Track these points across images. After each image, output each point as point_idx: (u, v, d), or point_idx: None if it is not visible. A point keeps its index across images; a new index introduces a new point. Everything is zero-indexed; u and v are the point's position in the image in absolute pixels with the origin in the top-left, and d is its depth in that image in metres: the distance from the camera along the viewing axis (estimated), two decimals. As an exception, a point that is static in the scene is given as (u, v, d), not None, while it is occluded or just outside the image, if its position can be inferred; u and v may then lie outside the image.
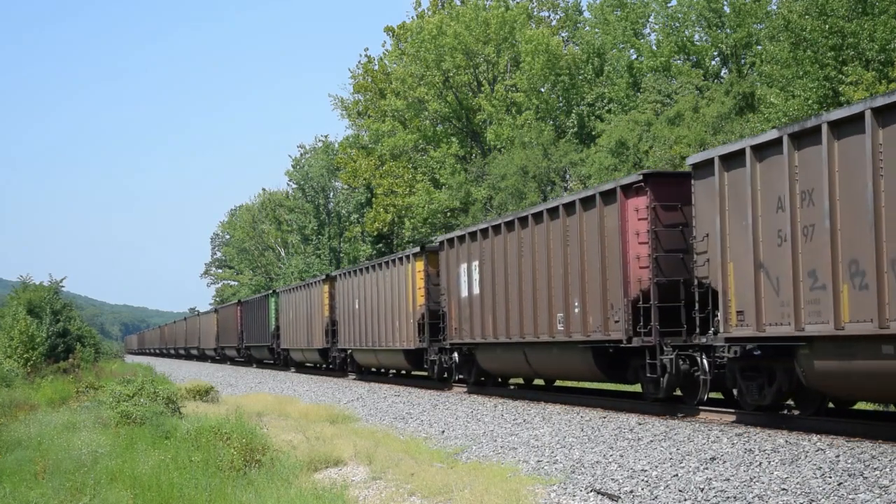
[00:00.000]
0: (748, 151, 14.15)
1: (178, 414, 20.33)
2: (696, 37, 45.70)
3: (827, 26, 28.28)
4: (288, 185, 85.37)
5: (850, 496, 9.67)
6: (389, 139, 52.51)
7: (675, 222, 16.67)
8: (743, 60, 43.62)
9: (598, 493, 11.07)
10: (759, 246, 14.03)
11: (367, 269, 33.04)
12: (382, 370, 35.21)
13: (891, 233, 11.91)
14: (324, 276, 39.61)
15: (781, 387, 14.36)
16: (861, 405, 16.29)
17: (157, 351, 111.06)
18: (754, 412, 15.01)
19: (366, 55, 63.48)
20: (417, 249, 28.31)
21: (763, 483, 10.60)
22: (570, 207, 19.07)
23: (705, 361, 15.82)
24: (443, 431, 17.92)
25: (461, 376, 26.12)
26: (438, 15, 52.06)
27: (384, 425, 19.91)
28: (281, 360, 48.02)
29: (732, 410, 15.73)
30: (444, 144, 50.85)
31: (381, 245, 58.84)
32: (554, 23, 55.02)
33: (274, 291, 50.35)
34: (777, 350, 14.12)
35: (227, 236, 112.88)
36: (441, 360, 26.77)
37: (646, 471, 11.97)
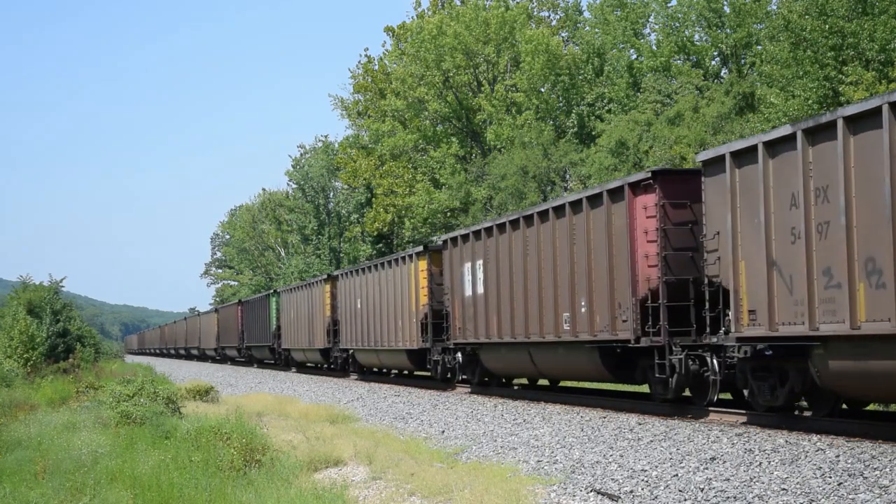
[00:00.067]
0: (760, 147, 13.90)
1: (178, 414, 20.33)
2: (696, 37, 45.70)
3: (827, 26, 28.27)
4: (288, 185, 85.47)
5: (850, 496, 9.67)
6: (389, 139, 52.50)
7: (684, 220, 16.45)
8: (743, 60, 43.61)
9: (598, 493, 11.06)
10: (772, 244, 13.78)
11: (369, 268, 32.87)
12: (384, 370, 35.11)
13: (909, 230, 11.60)
14: (325, 276, 39.50)
15: (794, 387, 14.12)
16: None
17: (158, 351, 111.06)
18: (765, 413, 14.78)
19: (366, 55, 63.47)
20: (420, 248, 28.17)
21: (763, 483, 10.60)
22: (576, 205, 18.86)
23: (715, 362, 15.62)
24: (443, 431, 17.92)
25: (465, 377, 25.91)
26: (438, 15, 52.05)
27: (384, 425, 19.91)
28: (282, 361, 47.91)
29: (743, 412, 15.50)
30: (444, 144, 50.84)
31: (381, 245, 58.83)
32: (554, 23, 55.02)
33: (275, 291, 50.25)
34: (790, 350, 13.88)
35: (227, 236, 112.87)
36: (444, 360, 26.60)
37: (646, 471, 11.97)
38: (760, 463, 11.61)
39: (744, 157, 14.38)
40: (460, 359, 25.62)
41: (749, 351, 14.51)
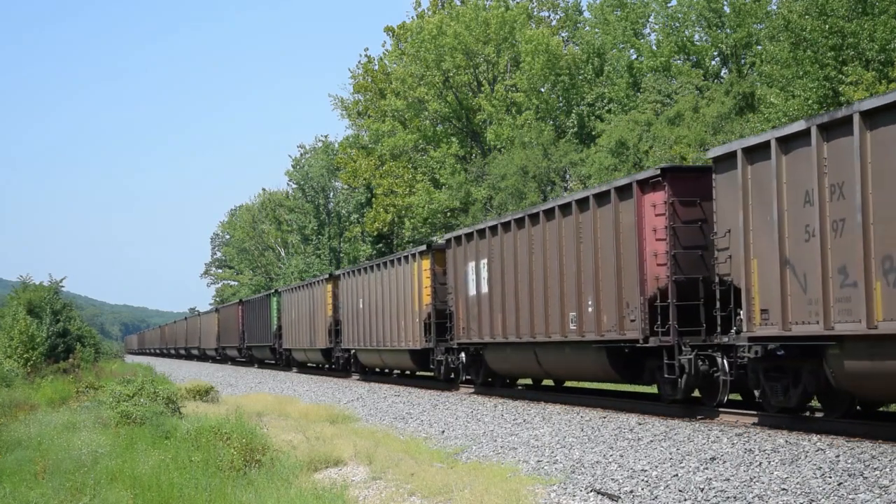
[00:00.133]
0: (773, 143, 13.62)
1: (178, 414, 20.33)
2: (696, 37, 45.71)
3: (827, 26, 28.27)
4: (288, 185, 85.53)
5: (850, 496, 9.67)
6: (389, 139, 52.51)
7: (693, 218, 16.25)
8: (743, 60, 43.62)
9: (598, 493, 11.06)
10: (785, 242, 13.51)
11: (371, 267, 32.65)
12: (387, 370, 34.97)
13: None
14: (327, 275, 39.31)
15: (807, 388, 13.87)
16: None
17: (158, 351, 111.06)
18: (777, 414, 14.54)
19: (366, 55, 63.49)
20: (424, 247, 27.95)
21: (763, 483, 10.60)
22: (583, 203, 18.63)
23: (725, 362, 15.40)
24: (443, 431, 17.92)
25: (468, 377, 25.65)
26: (438, 15, 52.06)
27: (384, 425, 19.91)
28: (283, 361, 47.79)
29: (754, 412, 15.25)
30: (444, 144, 50.85)
31: (381, 245, 58.84)
32: (554, 23, 55.02)
33: (276, 291, 50.09)
34: (803, 350, 13.63)
35: (227, 236, 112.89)
36: (448, 360, 26.36)
37: (646, 471, 11.97)
38: (760, 463, 11.61)
39: (756, 153, 14.11)
40: (464, 359, 25.40)
41: (760, 351, 14.25)
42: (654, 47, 45.90)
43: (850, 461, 11.14)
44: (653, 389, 21.46)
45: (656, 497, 10.63)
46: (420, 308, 27.59)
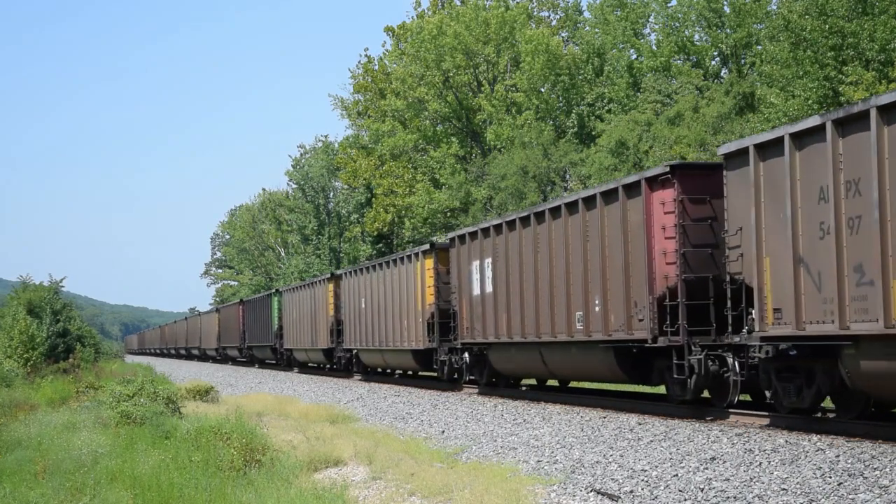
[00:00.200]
0: (787, 139, 13.33)
1: (178, 414, 20.33)
2: (696, 37, 45.73)
3: (827, 26, 28.29)
4: (288, 185, 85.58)
5: (850, 496, 9.67)
6: (389, 139, 52.53)
7: (703, 216, 16.03)
8: (743, 60, 43.64)
9: (598, 493, 11.06)
10: (799, 239, 13.25)
11: (373, 267, 32.41)
12: (389, 371, 34.82)
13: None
14: (329, 275, 39.10)
15: (821, 388, 13.63)
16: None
17: (158, 351, 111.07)
18: (789, 415, 14.29)
19: (366, 55, 63.53)
20: (427, 246, 27.74)
21: (763, 483, 10.60)
22: (590, 202, 18.39)
23: (736, 362, 15.19)
24: (443, 431, 17.91)
25: (472, 377, 25.48)
26: (438, 15, 52.07)
27: (384, 425, 19.90)
28: (284, 361, 47.67)
29: (765, 413, 15.05)
30: (444, 144, 50.86)
31: (381, 245, 58.86)
32: (554, 23, 55.05)
33: (277, 291, 49.93)
34: (816, 350, 13.40)
35: (227, 236, 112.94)
36: (451, 360, 26.16)
37: (646, 471, 11.97)
38: (760, 463, 11.61)
39: (769, 149, 13.84)
40: (468, 359, 25.21)
41: (770, 351, 14.02)
42: (654, 47, 45.92)
43: (850, 461, 11.14)
44: (653, 389, 21.51)
45: (656, 497, 10.63)
46: (423, 308, 27.35)
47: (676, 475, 11.50)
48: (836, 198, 12.60)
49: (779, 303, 13.68)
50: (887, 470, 10.54)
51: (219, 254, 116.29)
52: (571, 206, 19.12)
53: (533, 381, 24.86)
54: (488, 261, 23.03)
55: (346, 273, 36.57)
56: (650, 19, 48.30)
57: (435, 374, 28.21)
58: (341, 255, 71.07)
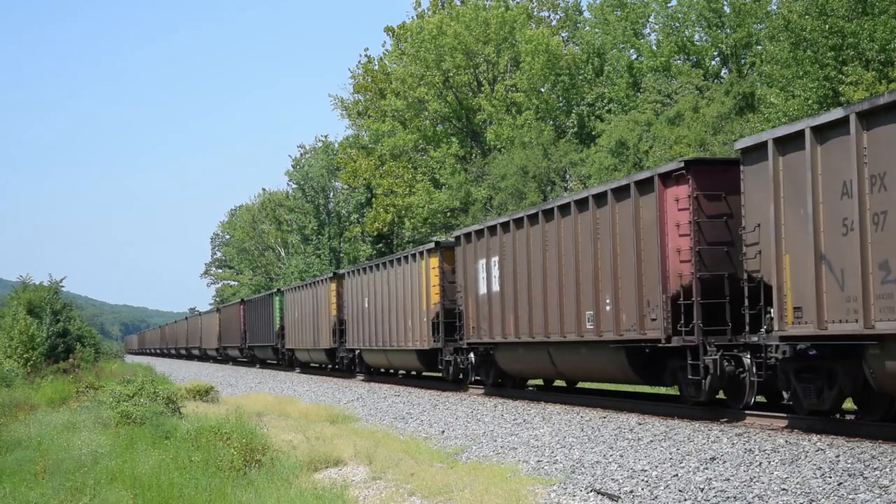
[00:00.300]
0: (808, 133, 12.95)
1: (178, 414, 20.33)
2: (696, 37, 45.71)
3: (827, 26, 28.29)
4: (288, 185, 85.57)
5: (850, 496, 9.67)
6: (389, 139, 52.52)
7: (718, 213, 15.69)
8: (743, 60, 43.63)
9: (598, 493, 11.06)
10: (821, 236, 12.85)
11: (377, 266, 32.13)
12: (393, 371, 34.62)
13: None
14: (331, 274, 38.87)
15: (843, 390, 13.31)
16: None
17: (158, 351, 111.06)
18: (808, 416, 13.94)
19: (366, 55, 63.56)
20: (432, 245, 27.49)
21: (763, 483, 10.60)
22: (600, 198, 18.03)
23: (753, 362, 14.88)
24: (443, 431, 17.91)
25: (478, 377, 25.18)
26: (438, 15, 52.07)
27: (384, 425, 19.90)
28: (285, 361, 47.53)
29: (783, 415, 14.72)
30: (444, 144, 50.86)
31: (381, 245, 58.84)
32: (554, 23, 55.04)
33: (279, 290, 49.73)
34: (836, 350, 13.09)
35: (227, 236, 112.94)
36: (456, 360, 25.92)
37: (646, 471, 11.97)
38: (760, 463, 11.61)
39: (789, 143, 13.47)
40: (473, 359, 24.96)
41: (788, 351, 13.69)
42: (654, 47, 45.91)
43: (850, 461, 11.14)
44: (653, 389, 21.51)
45: (656, 497, 10.63)
46: (428, 307, 27.05)
47: (676, 475, 11.51)
48: (860, 193, 12.20)
49: (799, 301, 13.32)
50: (887, 470, 10.54)
51: (219, 254, 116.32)
52: (581, 203, 18.76)
53: (540, 382, 24.68)
54: (495, 259, 22.71)
55: (348, 272, 36.26)
56: (650, 19, 48.31)
57: (439, 375, 27.96)
58: (341, 255, 71.07)
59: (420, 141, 52.14)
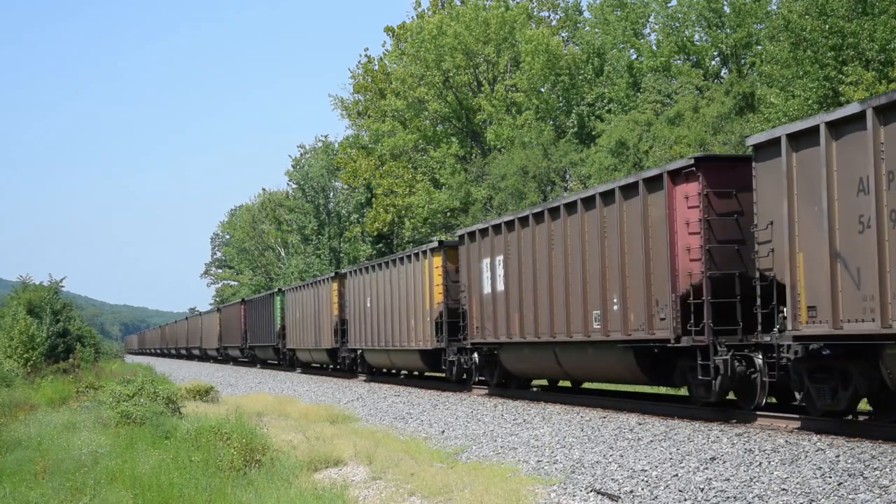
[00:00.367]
0: (822, 128, 12.67)
1: (178, 414, 20.33)
2: (696, 37, 45.72)
3: (827, 26, 28.29)
4: (288, 185, 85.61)
5: (850, 496, 9.66)
6: (389, 139, 52.52)
7: (729, 210, 15.47)
8: (743, 60, 43.64)
9: (598, 493, 11.06)
10: (836, 233, 12.60)
11: (379, 265, 31.87)
12: (395, 371, 34.45)
13: None
14: (333, 274, 38.67)
15: (859, 390, 13.07)
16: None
17: (158, 351, 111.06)
18: (822, 418, 13.69)
19: (366, 55, 63.55)
20: (435, 244, 27.27)
21: (763, 483, 10.60)
22: (607, 196, 17.80)
23: (765, 362, 14.66)
24: (443, 431, 17.91)
25: (482, 378, 24.99)
26: (438, 15, 52.08)
27: (384, 425, 19.90)
28: (286, 361, 47.40)
29: (796, 416, 14.49)
30: (444, 144, 50.87)
31: (381, 245, 58.83)
32: (554, 23, 55.05)
33: (280, 290, 49.59)
34: (852, 349, 12.89)
35: (227, 236, 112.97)
36: (460, 360, 25.71)
37: (646, 471, 11.97)
38: (760, 463, 11.61)
39: (803, 139, 13.20)
40: (477, 359, 24.76)
41: (800, 350, 13.47)
42: (654, 47, 45.91)
43: (850, 461, 11.14)
44: (653, 389, 21.50)
45: (656, 497, 10.63)
46: (431, 307, 26.83)
47: (676, 475, 11.51)
48: (877, 189, 11.96)
49: (813, 300, 13.06)
50: (887, 470, 10.54)
51: (219, 254, 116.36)
52: (588, 202, 18.51)
53: (544, 382, 24.53)
54: (499, 258, 22.47)
55: (350, 272, 36.01)
56: (650, 19, 48.32)
57: (443, 375, 27.73)
58: (341, 255, 71.07)
59: (420, 141, 52.14)
